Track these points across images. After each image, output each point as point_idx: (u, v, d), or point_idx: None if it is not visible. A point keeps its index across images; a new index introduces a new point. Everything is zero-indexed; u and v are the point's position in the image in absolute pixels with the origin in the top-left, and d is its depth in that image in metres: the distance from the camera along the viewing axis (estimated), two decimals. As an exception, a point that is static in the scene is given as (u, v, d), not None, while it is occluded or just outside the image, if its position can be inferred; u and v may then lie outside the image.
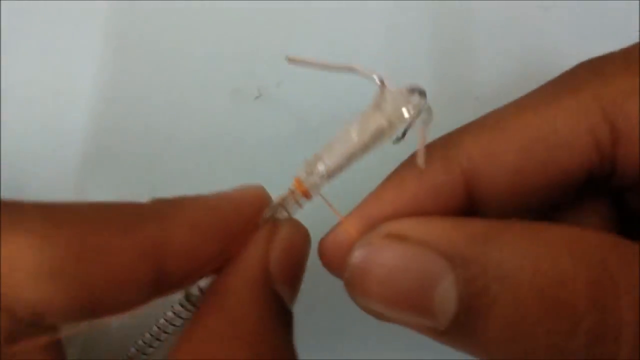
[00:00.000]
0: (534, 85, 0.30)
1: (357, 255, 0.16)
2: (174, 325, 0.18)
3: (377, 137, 0.16)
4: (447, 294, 0.14)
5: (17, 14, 0.31)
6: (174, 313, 0.18)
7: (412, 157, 0.17)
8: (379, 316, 0.16)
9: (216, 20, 0.32)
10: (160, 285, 0.16)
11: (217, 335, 0.15)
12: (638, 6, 0.30)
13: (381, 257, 0.15)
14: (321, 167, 0.17)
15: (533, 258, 0.14)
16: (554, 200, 0.17)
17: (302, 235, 0.18)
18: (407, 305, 0.15)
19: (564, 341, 0.14)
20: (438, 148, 0.17)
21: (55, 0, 0.31)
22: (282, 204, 0.18)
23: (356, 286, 0.16)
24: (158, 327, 0.18)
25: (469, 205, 0.17)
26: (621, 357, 0.13)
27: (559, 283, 0.13)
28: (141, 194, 0.28)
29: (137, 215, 0.16)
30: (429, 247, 0.14)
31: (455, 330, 0.15)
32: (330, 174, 0.17)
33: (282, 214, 0.18)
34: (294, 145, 0.29)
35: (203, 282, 0.18)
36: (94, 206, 0.16)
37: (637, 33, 0.30)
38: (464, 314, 0.14)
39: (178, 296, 0.18)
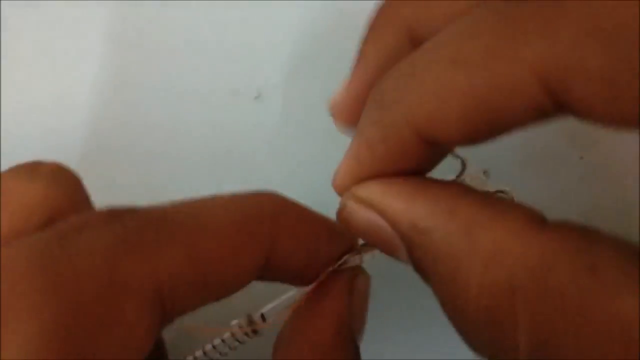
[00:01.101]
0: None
1: (340, 212, 0.18)
2: (229, 347, 0.18)
3: None
4: (404, 258, 0.16)
5: (17, 14, 0.31)
6: (232, 334, 0.18)
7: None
8: None
9: (216, 20, 0.32)
10: (260, 276, 0.18)
11: None
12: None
13: (355, 220, 0.17)
14: None
15: (466, 258, 0.14)
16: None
17: (368, 284, 0.19)
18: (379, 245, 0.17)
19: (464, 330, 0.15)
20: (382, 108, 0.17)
21: (55, 1, 0.31)
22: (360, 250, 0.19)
23: (344, 225, 0.18)
24: (213, 346, 0.18)
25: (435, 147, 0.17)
26: None
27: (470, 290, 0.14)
28: (141, 194, 0.28)
29: (257, 218, 0.17)
30: (386, 220, 0.16)
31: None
32: None
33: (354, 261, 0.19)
34: (293, 145, 0.29)
35: (266, 309, 0.19)
36: (223, 208, 0.17)
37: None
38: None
39: (236, 320, 0.19)
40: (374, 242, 0.17)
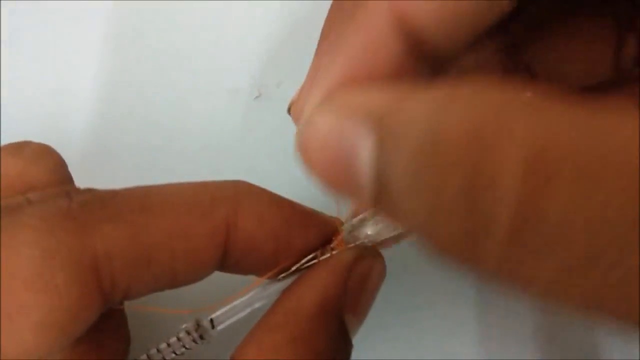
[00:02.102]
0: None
1: (300, 125, 0.15)
2: (175, 353, 0.18)
3: None
4: (367, 160, 0.13)
5: (17, 13, 0.31)
6: (178, 339, 0.18)
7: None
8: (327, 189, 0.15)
9: (216, 20, 0.32)
10: (223, 264, 0.17)
11: (277, 350, 0.16)
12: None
13: (315, 126, 0.14)
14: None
15: (440, 115, 0.11)
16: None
17: (380, 268, 0.18)
18: (338, 175, 0.14)
19: (437, 194, 0.11)
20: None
21: (55, 0, 0.31)
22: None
23: (301, 155, 0.15)
24: (158, 350, 0.18)
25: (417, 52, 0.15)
26: (501, 219, 0.10)
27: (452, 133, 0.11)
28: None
29: (213, 199, 0.17)
30: (351, 112, 0.13)
31: (381, 200, 0.13)
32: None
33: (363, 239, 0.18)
34: (294, 145, 0.29)
35: (215, 314, 0.18)
36: (177, 191, 0.17)
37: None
38: (380, 182, 0.13)
39: (186, 324, 0.18)
40: (333, 172, 0.14)
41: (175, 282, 0.17)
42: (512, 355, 0.26)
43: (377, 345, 0.26)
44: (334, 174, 0.14)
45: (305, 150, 0.14)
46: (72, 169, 0.29)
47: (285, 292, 0.17)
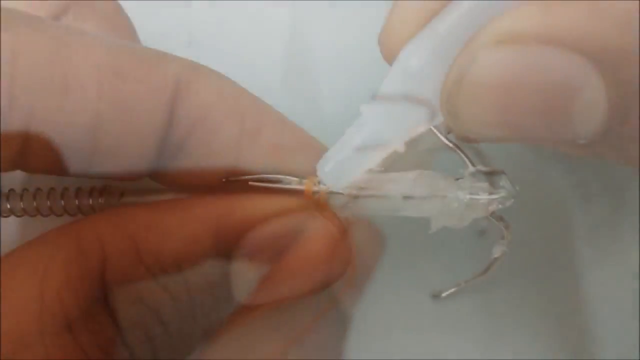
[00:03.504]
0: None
1: (455, 70, 0.13)
2: None
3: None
4: (591, 103, 0.11)
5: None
6: None
7: None
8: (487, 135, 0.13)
9: (216, 19, 0.32)
10: (219, 250, 0.18)
11: (255, 322, 0.16)
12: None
13: (496, 69, 0.12)
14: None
15: None
16: None
17: (375, 239, 0.18)
18: (535, 119, 0.12)
19: None
20: None
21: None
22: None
23: (471, 90, 0.13)
24: None
25: None
26: None
27: None
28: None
29: (209, 196, 0.18)
30: (563, 47, 0.11)
31: (598, 141, 0.12)
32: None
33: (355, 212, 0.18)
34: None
35: None
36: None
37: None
38: (611, 121, 0.12)
39: None
40: (520, 109, 0.12)
41: (173, 266, 0.18)
42: (512, 355, 0.26)
43: (377, 345, 0.26)
44: (525, 111, 0.12)
45: (480, 86, 0.13)
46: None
47: (271, 266, 0.18)
